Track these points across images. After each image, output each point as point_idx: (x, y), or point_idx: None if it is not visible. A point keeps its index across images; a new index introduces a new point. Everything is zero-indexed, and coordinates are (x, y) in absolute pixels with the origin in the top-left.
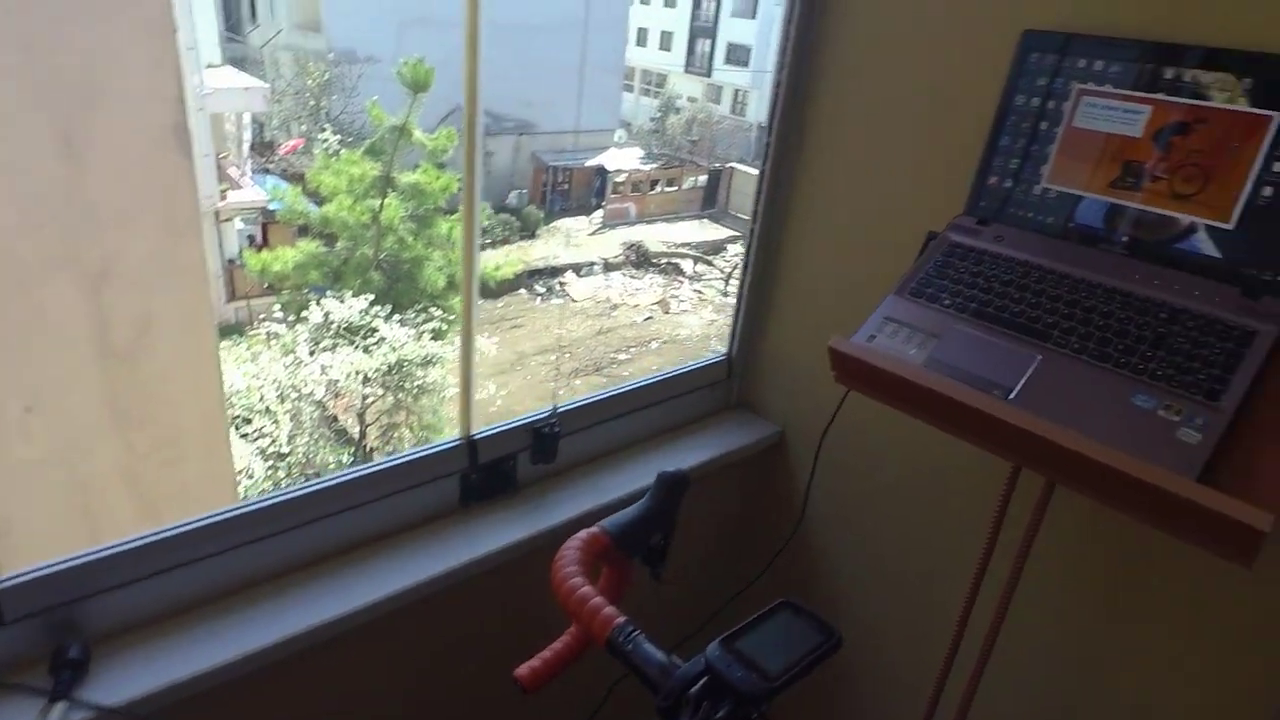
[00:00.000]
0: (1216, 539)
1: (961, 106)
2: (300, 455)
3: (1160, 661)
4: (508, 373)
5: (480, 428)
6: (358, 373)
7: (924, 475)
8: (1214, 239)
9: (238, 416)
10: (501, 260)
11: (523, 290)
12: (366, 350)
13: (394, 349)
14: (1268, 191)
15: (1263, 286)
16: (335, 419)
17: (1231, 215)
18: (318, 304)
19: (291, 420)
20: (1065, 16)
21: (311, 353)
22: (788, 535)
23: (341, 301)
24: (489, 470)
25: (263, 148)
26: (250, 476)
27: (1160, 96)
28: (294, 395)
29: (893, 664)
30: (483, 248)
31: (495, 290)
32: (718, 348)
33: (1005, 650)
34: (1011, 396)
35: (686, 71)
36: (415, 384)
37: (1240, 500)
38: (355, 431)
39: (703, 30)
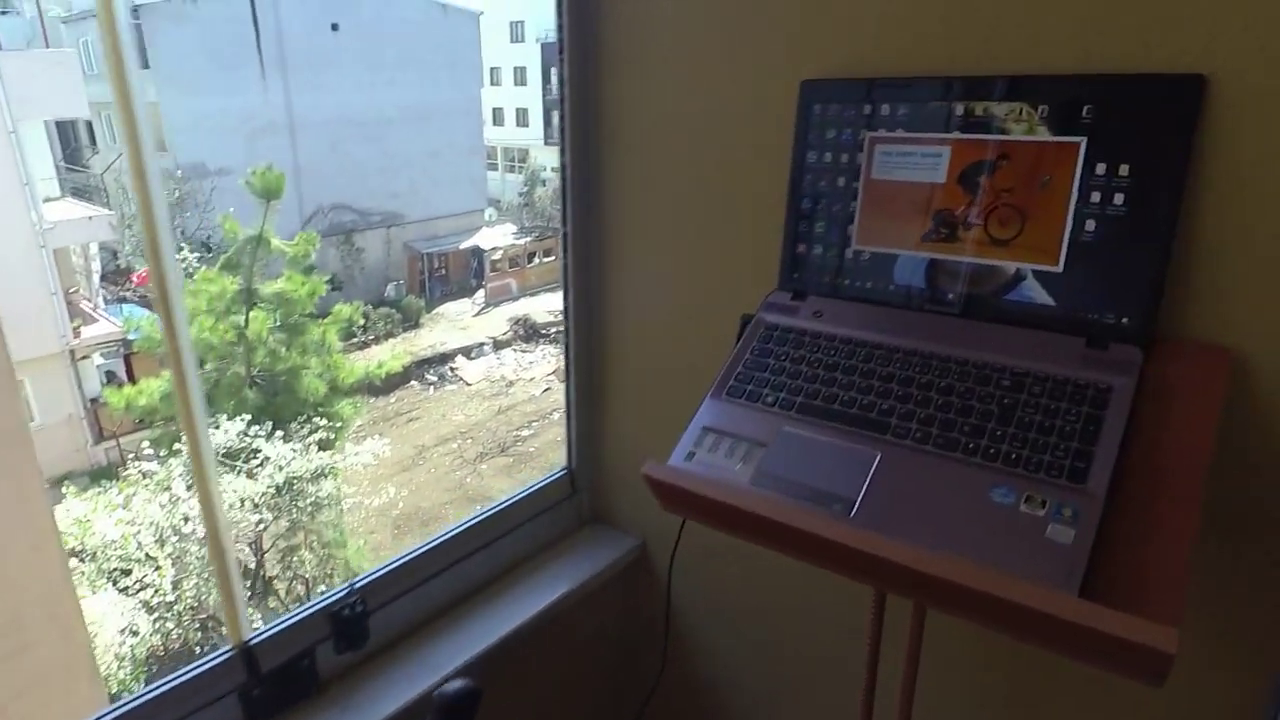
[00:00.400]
0: (1117, 662)
1: (756, 172)
2: (190, 600)
3: None
4: (410, 469)
5: (258, 628)
6: (242, 501)
7: (791, 599)
8: (1045, 285)
9: (115, 569)
10: (386, 355)
11: (414, 382)
12: (250, 475)
13: (280, 468)
14: (1090, 225)
15: (1107, 332)
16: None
17: (1058, 256)
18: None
19: (175, 564)
20: (842, 61)
21: (189, 487)
22: (652, 680)
23: (217, 427)
24: (277, 677)
25: (117, 276)
26: (135, 634)
27: (956, 135)
28: (174, 536)
29: None
30: (364, 345)
31: (384, 386)
32: None
33: None
34: (853, 512)
35: (547, 144)
36: (308, 501)
37: (1136, 615)
38: (251, 562)
39: (556, 103)
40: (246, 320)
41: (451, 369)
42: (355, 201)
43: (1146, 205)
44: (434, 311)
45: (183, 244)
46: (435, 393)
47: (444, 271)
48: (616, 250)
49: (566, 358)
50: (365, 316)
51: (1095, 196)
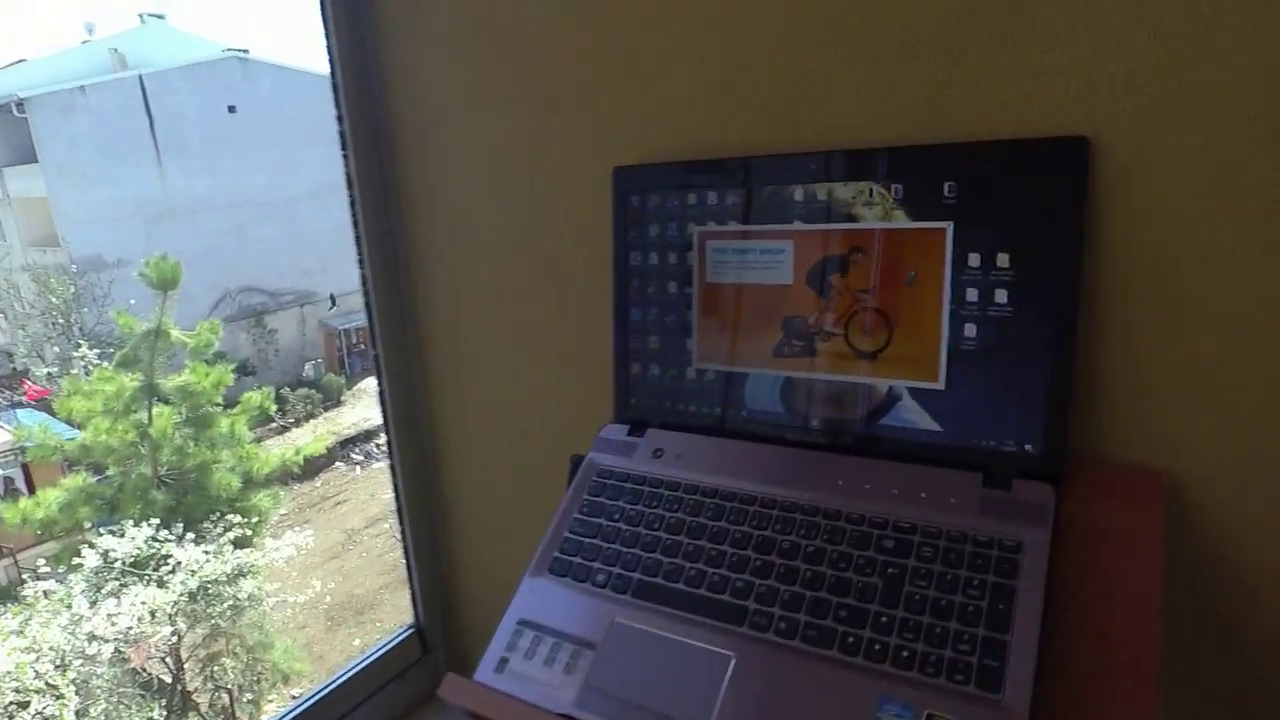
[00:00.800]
0: None
1: (581, 279)
2: None
3: None
4: (340, 556)
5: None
6: (152, 613)
7: None
8: (926, 406)
9: (10, 703)
10: (307, 438)
11: (339, 463)
12: (161, 583)
13: (193, 572)
14: (971, 331)
15: (1007, 464)
16: (142, 670)
17: (937, 370)
18: (90, 546)
19: (80, 691)
20: (663, 142)
21: (93, 603)
22: None
23: (122, 535)
24: None
25: (12, 380)
26: None
27: (797, 226)
28: (78, 659)
29: None
30: (284, 429)
31: (306, 471)
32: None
33: None
34: None
35: None
36: (226, 605)
37: None
38: (169, 677)
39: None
40: (149, 418)
41: (378, 445)
42: (264, 283)
43: (1036, 301)
44: (355, 387)
45: (80, 340)
46: (362, 472)
47: (362, 346)
48: (438, 375)
49: (396, 496)
50: (283, 400)
51: (972, 294)
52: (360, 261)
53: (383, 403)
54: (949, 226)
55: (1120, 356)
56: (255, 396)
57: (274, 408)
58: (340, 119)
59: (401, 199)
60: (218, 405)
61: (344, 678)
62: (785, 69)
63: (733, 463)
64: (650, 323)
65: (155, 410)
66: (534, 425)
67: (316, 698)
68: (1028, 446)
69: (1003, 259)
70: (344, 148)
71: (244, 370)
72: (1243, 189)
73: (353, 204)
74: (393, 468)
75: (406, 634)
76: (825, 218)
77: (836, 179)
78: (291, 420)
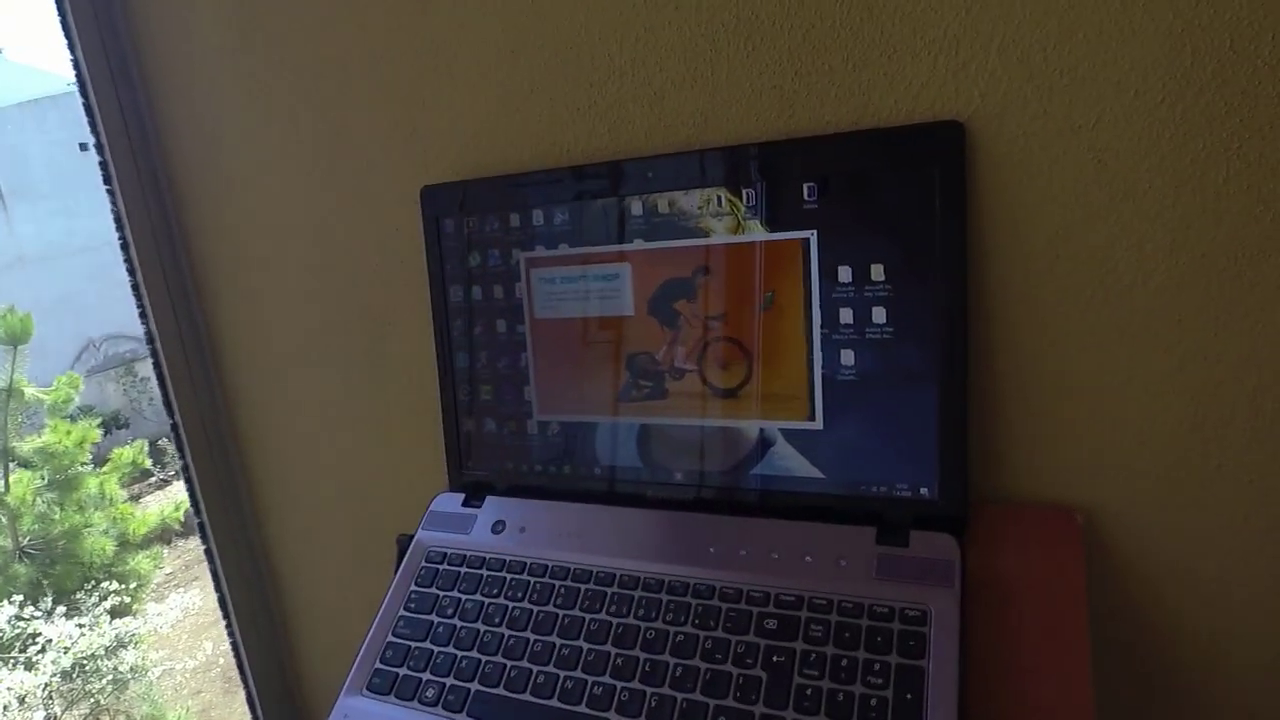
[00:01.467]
0: None
1: (398, 326)
2: None
3: None
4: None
5: None
6: (20, 699)
7: None
8: (804, 451)
9: None
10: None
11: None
12: (30, 665)
13: (66, 649)
14: (848, 358)
15: (903, 512)
16: None
17: (813, 407)
18: None
19: None
20: (473, 155)
21: None
22: None
23: None
24: None
25: None
26: None
27: (637, 245)
28: None
29: None
30: (164, 483)
31: (191, 525)
32: None
33: None
34: None
35: None
36: (106, 680)
37: None
38: None
39: None
40: (6, 485)
41: None
42: (132, 329)
43: (919, 318)
44: None
45: None
46: None
47: None
48: (256, 449)
49: (220, 593)
50: (160, 451)
51: (846, 315)
52: (142, 317)
53: (190, 484)
54: (812, 236)
55: (1020, 378)
56: (127, 452)
57: (148, 462)
58: (99, 146)
59: (186, 235)
60: (85, 464)
61: None
62: (610, 62)
63: (584, 532)
64: (480, 370)
65: (13, 476)
66: (362, 501)
67: None
68: (923, 490)
69: (877, 271)
70: (107, 182)
71: (115, 423)
72: (1145, 172)
73: (125, 249)
74: (209, 552)
75: None
76: (668, 234)
77: (678, 187)
78: (171, 474)
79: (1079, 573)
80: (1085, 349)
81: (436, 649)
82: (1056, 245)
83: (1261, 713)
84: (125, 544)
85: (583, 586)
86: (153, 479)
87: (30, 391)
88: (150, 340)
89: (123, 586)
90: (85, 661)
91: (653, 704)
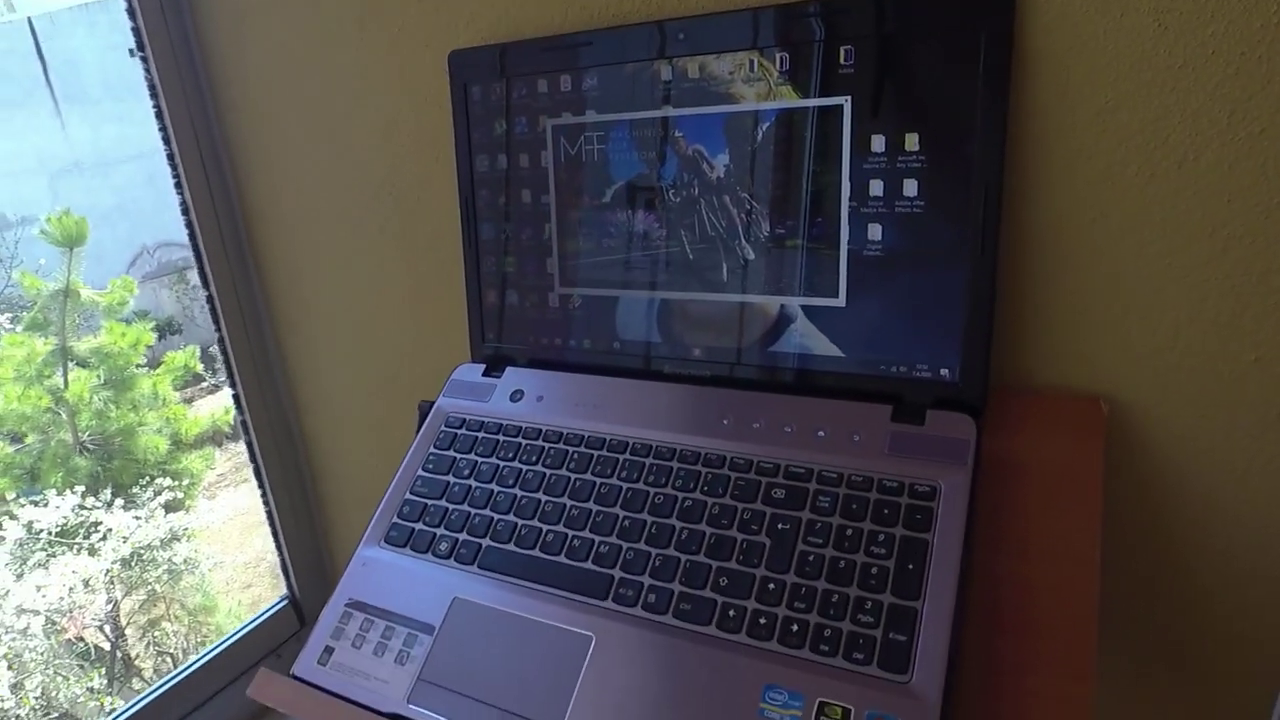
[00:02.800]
0: None
1: (427, 199)
2: (34, 701)
3: None
4: None
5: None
6: (85, 581)
7: None
8: (824, 328)
9: None
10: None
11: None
12: (92, 551)
13: (125, 538)
14: (876, 233)
15: (922, 393)
16: (79, 639)
17: (837, 284)
18: (11, 517)
19: (11, 665)
20: (503, 16)
21: (20, 575)
22: None
23: (46, 504)
24: None
25: None
26: None
27: (666, 111)
28: (7, 635)
29: None
30: (215, 387)
31: (237, 431)
32: None
33: None
34: None
35: None
36: (162, 570)
37: None
38: (108, 645)
39: None
40: (66, 382)
41: None
42: (183, 236)
43: (952, 192)
44: None
45: None
46: None
47: None
48: (287, 326)
49: (254, 459)
50: (212, 358)
51: (876, 187)
52: (176, 184)
53: (226, 359)
54: (846, 102)
55: (1053, 259)
56: (179, 356)
57: (199, 366)
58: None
59: (222, 113)
60: (139, 366)
61: (213, 653)
62: None
63: (601, 403)
64: (505, 241)
65: (71, 374)
66: (390, 373)
67: (186, 674)
68: (944, 371)
69: (911, 141)
70: (151, 89)
71: (169, 329)
72: (1209, 37)
73: (160, 115)
74: (244, 425)
75: (280, 606)
76: (699, 99)
77: (709, 50)
78: (223, 378)
79: (1098, 461)
80: (1126, 230)
81: (451, 506)
82: (1105, 118)
83: (1266, 626)
84: (178, 443)
85: (595, 453)
86: (204, 384)
87: (86, 293)
88: (190, 229)
89: (176, 483)
90: (142, 551)
91: (656, 563)
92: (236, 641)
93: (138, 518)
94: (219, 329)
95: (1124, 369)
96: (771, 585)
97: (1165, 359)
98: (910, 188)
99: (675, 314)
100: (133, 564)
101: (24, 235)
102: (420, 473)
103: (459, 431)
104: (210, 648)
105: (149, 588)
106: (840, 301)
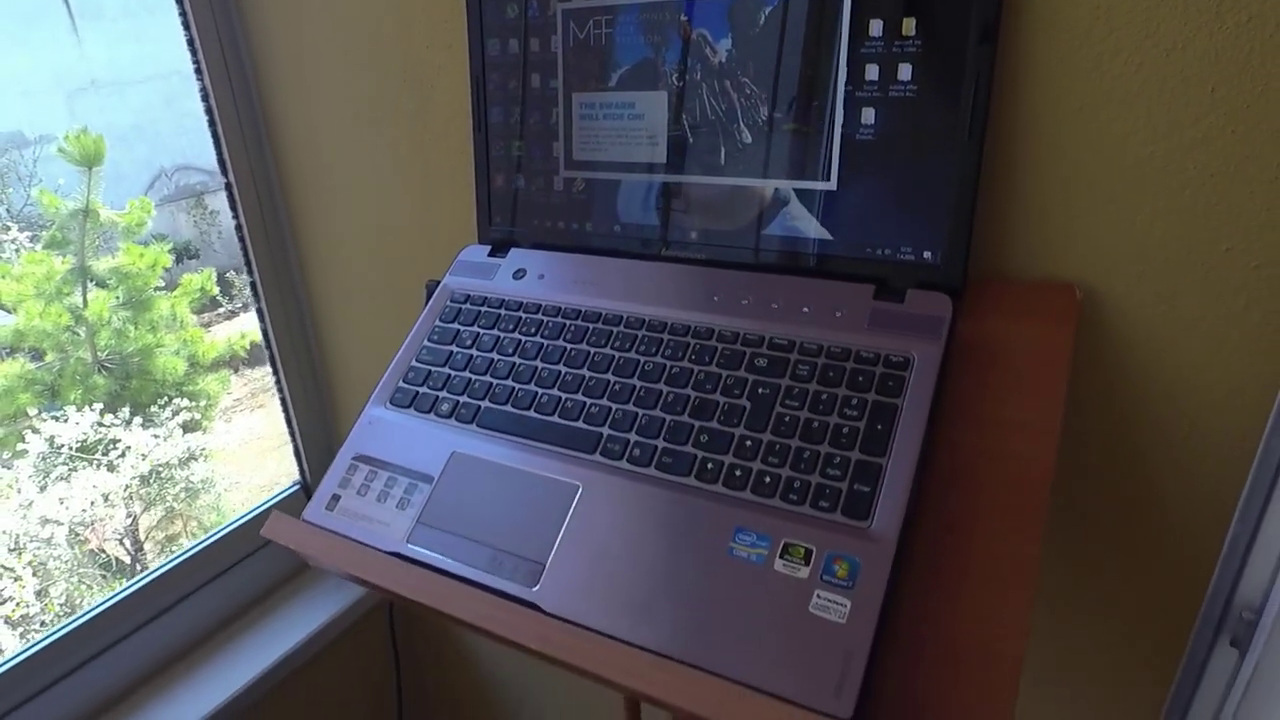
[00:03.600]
0: None
1: (442, 84)
2: (59, 606)
3: None
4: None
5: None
6: (105, 496)
7: (539, 671)
8: (815, 211)
9: None
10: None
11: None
12: (111, 467)
13: (143, 456)
14: (869, 116)
15: (904, 275)
16: (100, 551)
17: (830, 167)
18: (34, 431)
19: (37, 572)
20: None
21: (43, 487)
22: None
23: (66, 420)
24: None
25: None
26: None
27: None
28: (32, 543)
29: None
30: (231, 314)
31: (257, 356)
32: None
33: None
34: (539, 583)
35: None
36: (179, 488)
37: None
38: (127, 557)
39: None
40: (85, 301)
41: None
42: (201, 161)
43: (944, 79)
44: None
45: (9, 223)
46: None
47: None
48: (301, 212)
49: (268, 345)
50: (228, 284)
51: (872, 72)
52: (196, 70)
53: (241, 235)
54: None
55: (1040, 147)
56: (196, 278)
57: (216, 290)
58: None
59: (244, 9)
60: (157, 288)
61: (227, 530)
62: None
63: (599, 282)
64: (513, 125)
65: (90, 294)
66: (402, 254)
67: (197, 550)
68: (926, 255)
69: (909, 25)
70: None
71: (186, 253)
72: None
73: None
74: (260, 312)
75: (293, 490)
76: None
77: None
78: (239, 305)
79: (1067, 345)
80: (1112, 120)
81: (453, 373)
82: (1099, 6)
83: (1211, 509)
84: (195, 365)
85: (591, 325)
86: (221, 309)
87: (105, 214)
88: (208, 112)
89: (193, 404)
90: (160, 469)
91: (643, 422)
92: (250, 520)
93: (156, 436)
94: (237, 217)
95: (1100, 258)
96: (749, 442)
97: (1140, 248)
98: (904, 72)
99: (674, 197)
100: (151, 481)
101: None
102: (426, 343)
103: (463, 306)
104: (224, 525)
105: (167, 505)
106: (831, 185)
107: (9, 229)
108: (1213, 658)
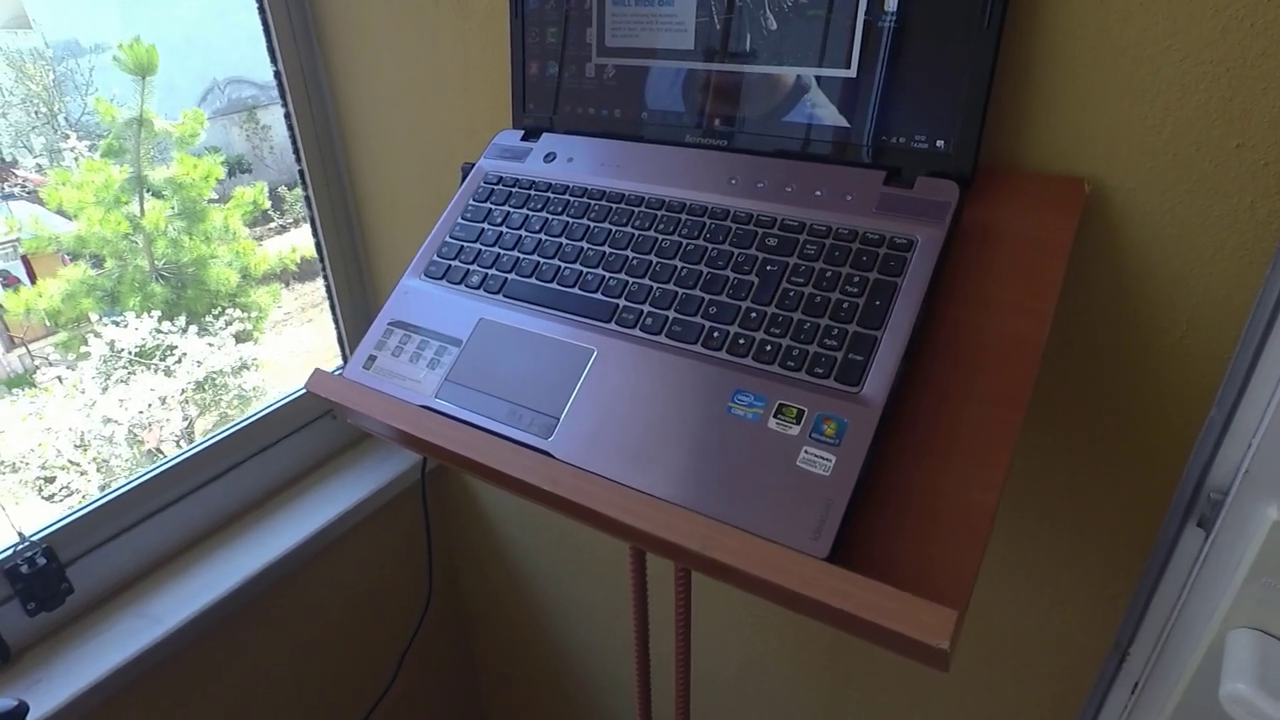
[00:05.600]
0: (888, 643)
1: None
2: None
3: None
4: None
5: None
6: (162, 399)
7: (553, 533)
8: (834, 98)
9: (38, 478)
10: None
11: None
12: (168, 372)
13: (199, 363)
14: (891, 3)
15: (916, 162)
16: (157, 451)
17: (850, 54)
18: (95, 335)
19: (100, 469)
20: None
21: (105, 389)
22: (418, 619)
23: (124, 326)
24: None
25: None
26: None
27: None
28: (95, 440)
29: None
30: (283, 229)
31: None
32: None
33: None
34: (553, 434)
35: None
36: (232, 395)
37: (907, 587)
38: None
39: None
40: (142, 210)
41: None
42: (253, 74)
43: None
44: None
45: (69, 131)
46: None
47: None
48: (346, 94)
49: (315, 234)
50: (280, 199)
51: None
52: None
53: (291, 135)
54: None
55: (1058, 38)
56: (248, 191)
57: (268, 204)
58: None
59: None
60: (211, 200)
61: (274, 407)
62: None
63: (625, 165)
64: (549, 12)
65: (146, 203)
66: (441, 145)
67: (251, 422)
68: (939, 143)
69: None
70: None
71: (239, 167)
72: None
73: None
74: (308, 199)
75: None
76: None
77: None
78: (290, 221)
79: (1069, 234)
80: (1132, 10)
81: (484, 248)
82: None
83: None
84: (247, 277)
85: (614, 205)
86: (272, 224)
87: (160, 124)
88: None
89: (245, 315)
90: (214, 376)
91: (656, 295)
92: (294, 401)
93: (210, 344)
94: (285, 105)
95: (1111, 152)
96: (753, 314)
97: (1152, 143)
98: None
99: (699, 84)
100: (205, 387)
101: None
102: (459, 220)
103: (495, 187)
104: (270, 402)
105: (220, 410)
106: (851, 72)
107: (68, 137)
108: (1181, 539)
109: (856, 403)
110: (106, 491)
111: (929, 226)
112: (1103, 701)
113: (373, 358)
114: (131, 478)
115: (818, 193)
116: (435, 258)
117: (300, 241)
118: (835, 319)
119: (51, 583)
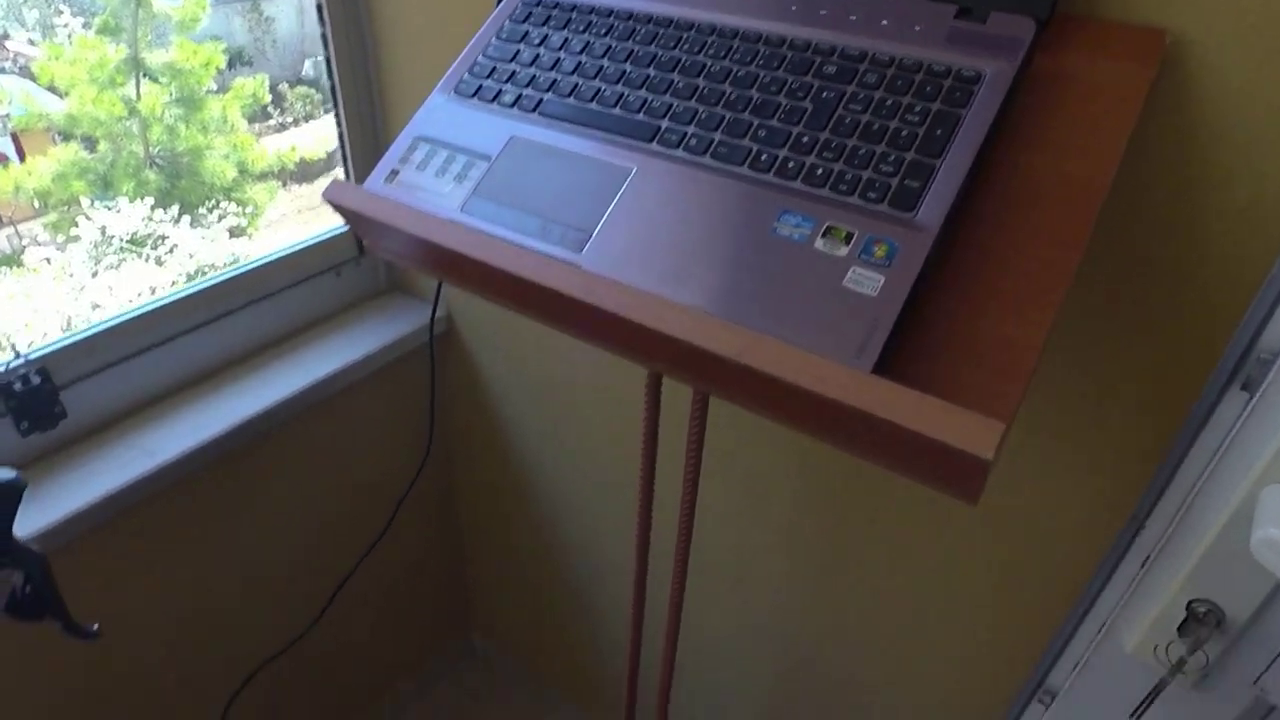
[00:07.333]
0: (918, 465)
1: None
2: None
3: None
4: None
5: None
6: (152, 289)
7: (583, 370)
8: None
9: None
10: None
11: (340, 169)
12: (159, 261)
13: (190, 255)
14: None
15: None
16: None
17: None
18: (86, 219)
19: None
20: None
21: (94, 274)
22: (416, 469)
23: (116, 211)
24: None
25: None
26: None
27: None
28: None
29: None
30: (282, 127)
31: (302, 173)
32: None
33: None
34: (585, 248)
35: None
36: None
37: (953, 403)
38: None
39: None
40: (138, 92)
41: None
42: None
43: None
44: None
45: (62, 6)
46: None
47: None
48: None
49: (330, 76)
50: (281, 96)
51: None
52: None
53: None
54: None
55: None
56: (249, 83)
57: (268, 98)
58: None
59: None
60: (210, 90)
61: (278, 255)
62: None
63: None
64: None
65: (143, 87)
66: None
67: (251, 267)
68: None
69: None
70: None
71: (240, 60)
72: None
73: None
74: (324, 38)
75: (343, 229)
76: None
77: None
78: (290, 119)
79: (1143, 84)
80: None
81: (520, 68)
82: None
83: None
84: (244, 173)
85: (661, 30)
86: (272, 121)
87: (158, 3)
88: None
89: (240, 210)
90: (206, 270)
91: (703, 117)
92: (299, 252)
93: (203, 237)
94: None
95: (1197, 5)
96: (805, 139)
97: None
98: None
99: None
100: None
101: None
102: (494, 40)
103: (535, 9)
104: (274, 252)
105: None
106: None
107: (61, 12)
108: (1223, 400)
109: (910, 227)
110: (105, 319)
111: (999, 61)
112: (1111, 573)
113: (395, 171)
114: (130, 308)
115: (884, 22)
116: (466, 75)
117: (300, 141)
118: (893, 146)
119: (45, 404)
